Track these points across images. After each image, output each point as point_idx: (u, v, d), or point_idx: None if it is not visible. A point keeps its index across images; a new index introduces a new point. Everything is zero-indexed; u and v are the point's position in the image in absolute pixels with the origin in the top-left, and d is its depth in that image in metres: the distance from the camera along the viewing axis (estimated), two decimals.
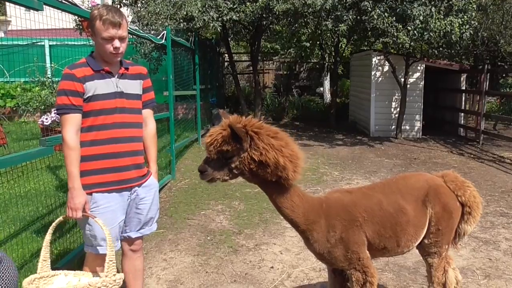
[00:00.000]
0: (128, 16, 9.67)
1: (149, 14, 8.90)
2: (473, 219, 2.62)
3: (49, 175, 6.13)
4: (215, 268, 3.74)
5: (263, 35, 13.54)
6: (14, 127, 9.17)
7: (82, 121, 2.36)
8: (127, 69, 2.53)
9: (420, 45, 10.07)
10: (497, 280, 3.50)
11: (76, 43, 9.02)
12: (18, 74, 11.27)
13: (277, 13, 9.61)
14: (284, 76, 17.38)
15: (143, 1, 9.81)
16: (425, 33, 8.37)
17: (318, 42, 12.43)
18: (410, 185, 2.58)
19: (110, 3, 9.66)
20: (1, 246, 3.81)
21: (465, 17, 8.45)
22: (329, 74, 15.30)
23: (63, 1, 3.62)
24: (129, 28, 5.57)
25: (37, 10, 2.82)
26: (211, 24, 9.17)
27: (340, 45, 12.78)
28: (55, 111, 2.39)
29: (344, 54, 14.41)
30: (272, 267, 3.75)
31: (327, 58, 13.58)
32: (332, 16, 9.08)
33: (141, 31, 7.25)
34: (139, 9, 9.79)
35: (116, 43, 2.35)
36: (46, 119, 6.65)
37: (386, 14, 8.34)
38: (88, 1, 7.83)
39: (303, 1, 8.94)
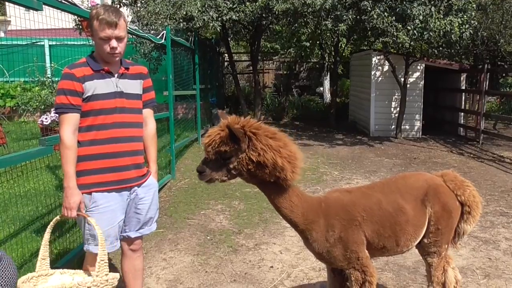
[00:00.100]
0: (127, 16, 9.69)
1: (149, 14, 8.90)
2: (472, 219, 2.62)
3: (49, 174, 6.13)
4: (215, 267, 3.74)
5: (263, 35, 13.53)
6: (13, 126, 9.18)
7: (82, 121, 2.36)
8: (127, 69, 2.52)
9: (420, 45, 10.08)
10: (497, 279, 3.50)
11: (75, 43, 9.03)
12: (18, 74, 11.30)
13: (276, 12, 9.61)
14: (284, 76, 17.37)
15: (143, 1, 9.81)
16: (424, 33, 8.37)
17: (318, 42, 12.43)
18: (409, 185, 2.57)
19: (109, 3, 9.67)
20: (1, 245, 3.81)
21: (465, 16, 8.45)
22: (329, 73, 15.31)
23: (63, 1, 3.62)
24: (129, 28, 5.57)
25: (36, 10, 2.82)
26: (211, 24, 9.17)
27: (340, 45, 12.77)
28: (54, 111, 2.40)
29: (344, 54, 14.39)
30: (271, 267, 3.75)
31: (327, 58, 13.59)
32: (332, 16, 9.07)
33: (141, 31, 7.25)
34: (138, 9, 9.79)
35: (113, 43, 2.33)
36: (46, 118, 6.66)
37: (385, 13, 8.34)
38: (87, 1, 7.85)
39: (303, 1, 8.93)
